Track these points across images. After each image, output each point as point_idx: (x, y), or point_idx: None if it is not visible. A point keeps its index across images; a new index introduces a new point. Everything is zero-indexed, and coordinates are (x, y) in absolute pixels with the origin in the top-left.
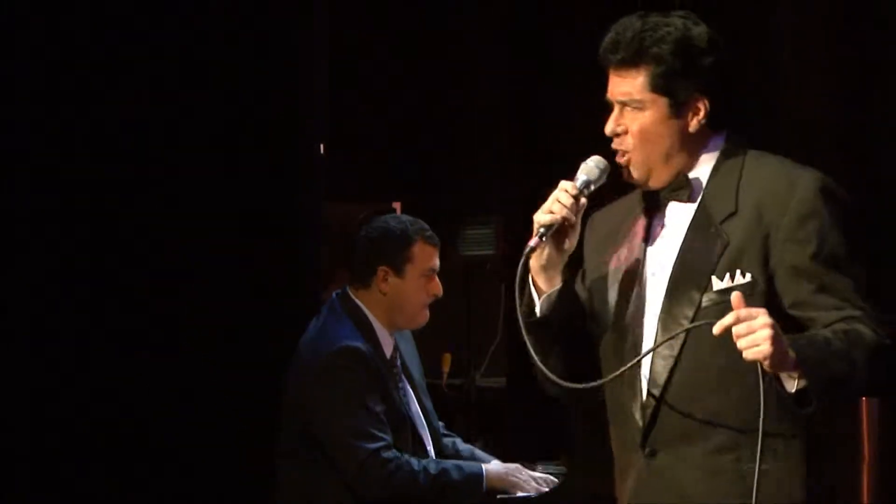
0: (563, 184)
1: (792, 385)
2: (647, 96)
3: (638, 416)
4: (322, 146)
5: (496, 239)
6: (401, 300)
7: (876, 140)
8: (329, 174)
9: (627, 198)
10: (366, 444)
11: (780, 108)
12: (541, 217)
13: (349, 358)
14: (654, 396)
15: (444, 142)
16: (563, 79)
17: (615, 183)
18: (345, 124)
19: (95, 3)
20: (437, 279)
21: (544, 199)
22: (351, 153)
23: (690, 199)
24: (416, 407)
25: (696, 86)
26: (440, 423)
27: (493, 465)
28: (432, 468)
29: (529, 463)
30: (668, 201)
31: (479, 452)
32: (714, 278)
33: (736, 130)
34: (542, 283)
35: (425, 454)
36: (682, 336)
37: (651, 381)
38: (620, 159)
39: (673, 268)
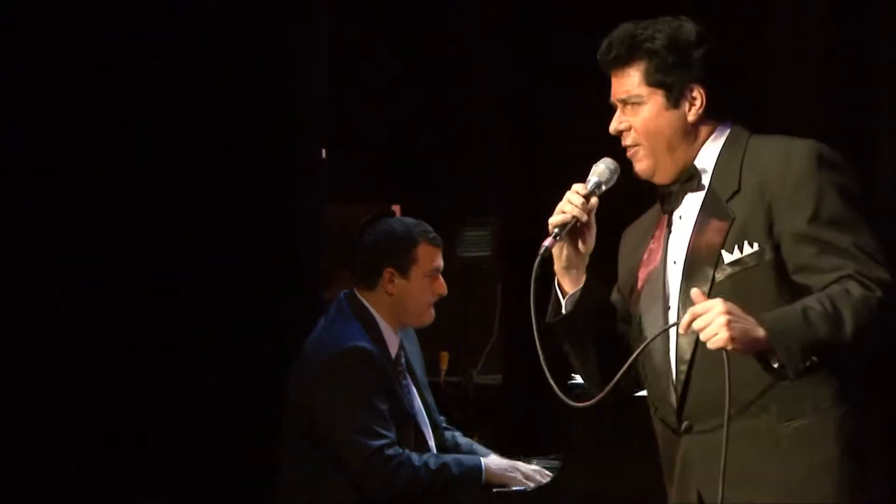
0: (575, 186)
1: (775, 360)
2: (644, 90)
3: (672, 396)
4: (324, 150)
5: (493, 241)
6: (407, 301)
7: (875, 140)
8: (329, 174)
9: (653, 208)
10: (370, 442)
11: (780, 109)
12: (553, 218)
13: (355, 358)
14: (683, 373)
15: (443, 142)
16: (563, 79)
17: (627, 183)
18: (345, 124)
19: (95, 3)
20: (441, 279)
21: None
22: (351, 153)
23: (700, 187)
24: (418, 403)
25: (690, 77)
26: (441, 418)
27: (492, 459)
28: (433, 463)
29: (525, 458)
30: (683, 194)
31: (477, 446)
32: (724, 252)
33: (741, 121)
34: (566, 284)
35: (427, 448)
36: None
37: (678, 360)
38: (629, 154)
39: (686, 251)
